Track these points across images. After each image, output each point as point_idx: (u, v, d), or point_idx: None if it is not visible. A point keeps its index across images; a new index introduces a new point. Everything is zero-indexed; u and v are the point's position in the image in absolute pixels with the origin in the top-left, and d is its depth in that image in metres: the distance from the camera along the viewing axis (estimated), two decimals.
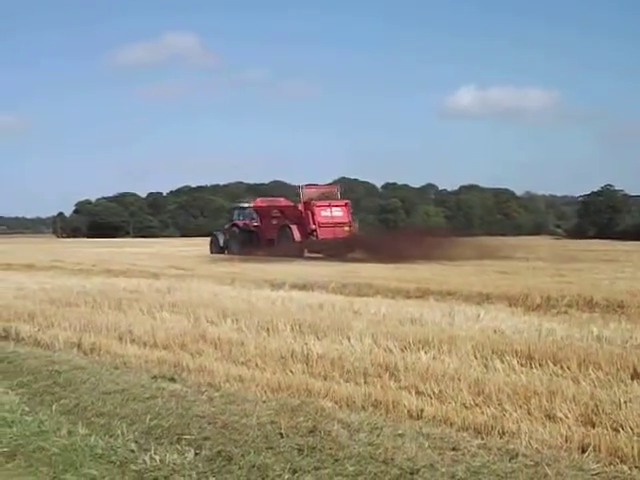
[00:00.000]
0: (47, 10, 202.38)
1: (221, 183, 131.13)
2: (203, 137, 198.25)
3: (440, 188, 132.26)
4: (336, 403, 7.15)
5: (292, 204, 39.78)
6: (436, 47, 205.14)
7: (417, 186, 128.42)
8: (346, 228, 37.39)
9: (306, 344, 9.59)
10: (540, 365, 8.30)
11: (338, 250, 34.64)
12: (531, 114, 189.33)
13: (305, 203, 37.63)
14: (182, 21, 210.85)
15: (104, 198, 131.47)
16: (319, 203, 37.53)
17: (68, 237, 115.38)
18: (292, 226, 37.50)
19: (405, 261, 28.39)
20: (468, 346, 9.12)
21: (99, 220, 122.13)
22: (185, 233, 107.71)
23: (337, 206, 37.97)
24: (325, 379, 8.09)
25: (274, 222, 39.06)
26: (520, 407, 6.74)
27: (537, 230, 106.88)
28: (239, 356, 9.33)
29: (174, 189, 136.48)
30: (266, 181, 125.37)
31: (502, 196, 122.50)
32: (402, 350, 9.20)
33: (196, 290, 17.08)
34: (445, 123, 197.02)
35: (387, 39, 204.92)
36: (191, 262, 32.26)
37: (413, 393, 7.36)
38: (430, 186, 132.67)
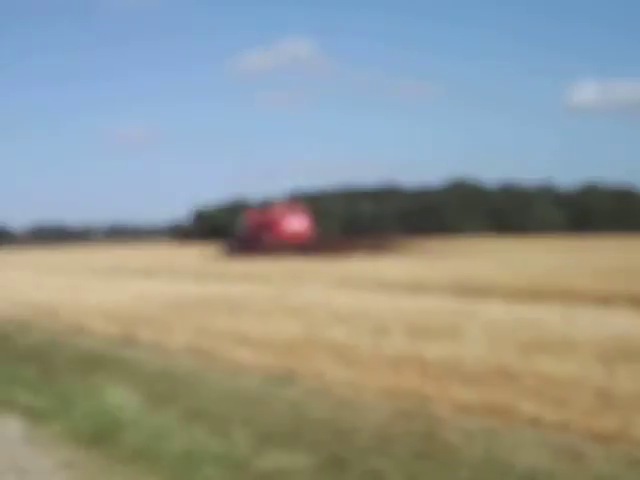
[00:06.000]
0: (168, 18, 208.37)
1: (336, 187, 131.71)
2: (319, 140, 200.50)
3: (560, 187, 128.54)
4: (452, 408, 7.03)
5: (268, 216, 52.15)
6: (557, 39, 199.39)
7: (535, 185, 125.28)
8: (303, 234, 49.92)
9: (420, 348, 9.47)
10: None
11: (296, 251, 44.14)
12: None
13: (274, 216, 51.45)
14: (299, 26, 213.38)
15: (220, 204, 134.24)
16: (284, 215, 51.25)
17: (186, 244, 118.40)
18: (266, 233, 49.47)
19: (339, 257, 38.29)
20: (590, 350, 8.81)
21: (214, 227, 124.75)
22: None
23: (297, 217, 51.63)
24: (440, 384, 7.96)
25: (257, 230, 50.89)
26: None
27: None
28: (352, 360, 9.29)
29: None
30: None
31: (625, 195, 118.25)
32: (520, 354, 8.96)
33: (309, 294, 17.18)
34: (565, 119, 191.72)
35: (511, 27, 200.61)
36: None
37: (532, 398, 7.15)
38: (549, 185, 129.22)
